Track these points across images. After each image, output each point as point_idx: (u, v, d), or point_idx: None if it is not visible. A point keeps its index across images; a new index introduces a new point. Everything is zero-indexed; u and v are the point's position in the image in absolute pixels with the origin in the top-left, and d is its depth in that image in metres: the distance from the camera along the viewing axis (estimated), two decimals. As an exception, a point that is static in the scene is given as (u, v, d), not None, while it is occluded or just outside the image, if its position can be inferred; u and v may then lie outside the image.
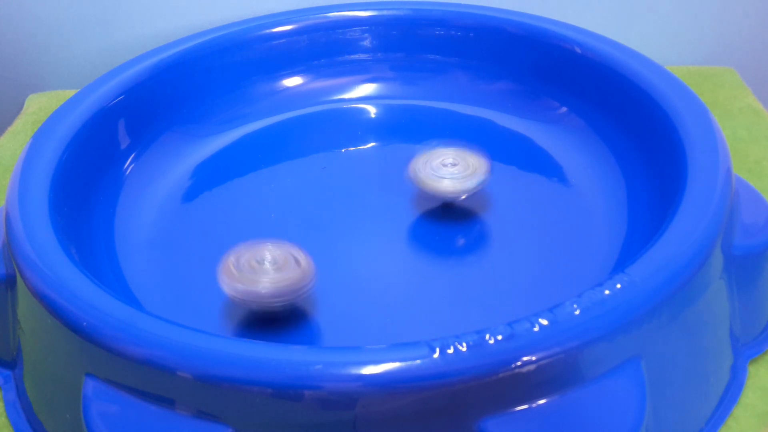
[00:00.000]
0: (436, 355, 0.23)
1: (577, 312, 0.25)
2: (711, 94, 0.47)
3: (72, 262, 0.29)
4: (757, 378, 0.30)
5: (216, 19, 0.50)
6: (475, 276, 0.34)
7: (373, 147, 0.43)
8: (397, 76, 0.46)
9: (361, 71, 0.46)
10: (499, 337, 0.24)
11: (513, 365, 0.24)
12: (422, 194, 0.37)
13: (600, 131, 0.40)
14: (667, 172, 0.33)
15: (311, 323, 0.32)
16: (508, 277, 0.34)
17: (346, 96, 0.46)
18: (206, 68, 0.43)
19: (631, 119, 0.38)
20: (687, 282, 0.27)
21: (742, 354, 0.30)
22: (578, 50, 0.41)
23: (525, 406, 0.24)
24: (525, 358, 0.24)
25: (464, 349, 0.24)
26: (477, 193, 0.36)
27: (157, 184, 0.40)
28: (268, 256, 0.30)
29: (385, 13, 0.46)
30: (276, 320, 0.32)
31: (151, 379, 0.25)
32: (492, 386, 0.24)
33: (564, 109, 0.42)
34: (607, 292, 0.25)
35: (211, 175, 0.41)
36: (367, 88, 0.46)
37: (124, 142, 0.40)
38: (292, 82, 0.46)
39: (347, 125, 0.44)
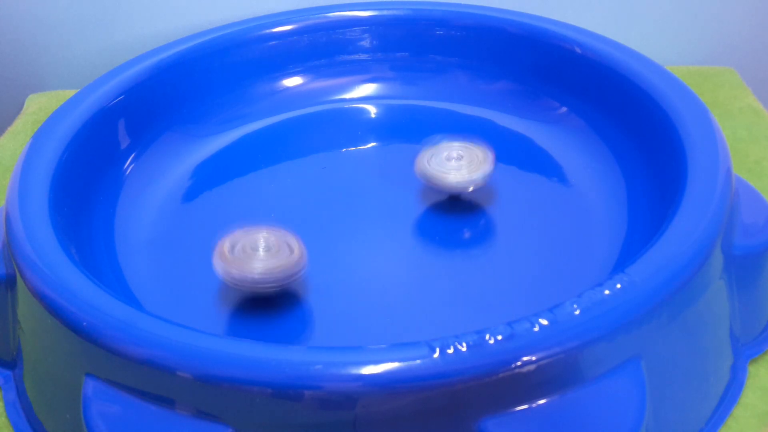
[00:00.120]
0: (436, 355, 0.23)
1: (577, 312, 0.25)
2: (711, 94, 0.47)
3: (72, 262, 0.29)
4: (757, 378, 0.30)
5: (216, 19, 0.50)
6: (475, 276, 0.34)
7: (373, 147, 0.43)
8: (397, 76, 0.46)
9: (361, 71, 0.46)
10: (499, 337, 0.24)
11: (513, 365, 0.24)
12: (427, 189, 0.37)
13: (600, 131, 0.40)
14: (667, 172, 0.33)
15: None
16: (508, 276, 0.34)
17: (346, 96, 0.46)
18: (206, 68, 0.43)
19: (631, 119, 0.38)
20: (687, 282, 0.27)
21: (742, 354, 0.30)
22: (578, 50, 0.41)
23: (525, 406, 0.24)
24: (525, 358, 0.24)
25: (464, 349, 0.24)
26: (476, 193, 0.36)
27: (157, 184, 0.40)
28: (261, 242, 0.31)
29: (385, 13, 0.46)
30: (269, 303, 0.32)
31: (151, 379, 0.25)
32: (492, 386, 0.24)
33: (564, 109, 0.42)
34: (607, 292, 0.25)
35: (211, 175, 0.41)
36: (367, 88, 0.46)
37: (124, 142, 0.40)
38: (292, 82, 0.46)
39: (347, 125, 0.44)
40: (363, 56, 0.46)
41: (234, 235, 0.32)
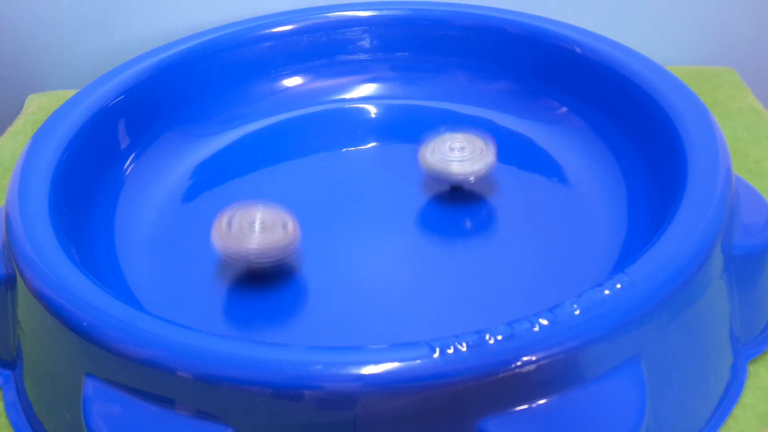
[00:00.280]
0: (436, 355, 0.23)
1: (577, 312, 0.25)
2: (711, 94, 0.47)
3: (72, 262, 0.29)
4: (757, 378, 0.30)
5: (216, 19, 0.50)
6: (475, 276, 0.34)
7: (373, 147, 0.43)
8: (397, 76, 0.46)
9: (361, 71, 0.46)
10: (499, 337, 0.24)
11: (513, 365, 0.24)
12: (428, 182, 0.37)
13: (600, 131, 0.40)
14: (667, 172, 0.33)
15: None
16: (508, 276, 0.34)
17: (346, 96, 0.46)
18: (206, 68, 0.43)
19: (631, 119, 0.38)
20: (687, 282, 0.27)
21: (742, 354, 0.30)
22: (578, 50, 0.41)
23: (525, 406, 0.24)
24: (525, 358, 0.24)
25: (464, 349, 0.24)
26: (477, 192, 0.36)
27: (157, 184, 0.40)
28: (257, 219, 0.32)
29: (385, 13, 0.46)
30: (265, 276, 0.33)
31: (151, 379, 0.25)
32: (492, 386, 0.24)
33: (564, 109, 0.42)
34: (607, 292, 0.25)
35: (211, 175, 0.41)
36: (367, 88, 0.46)
37: (124, 142, 0.40)
38: (292, 82, 0.46)
39: (347, 125, 0.44)
40: (363, 56, 0.46)
41: (231, 211, 0.33)
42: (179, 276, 0.34)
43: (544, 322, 0.24)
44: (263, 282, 0.33)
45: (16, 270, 0.29)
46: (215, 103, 0.44)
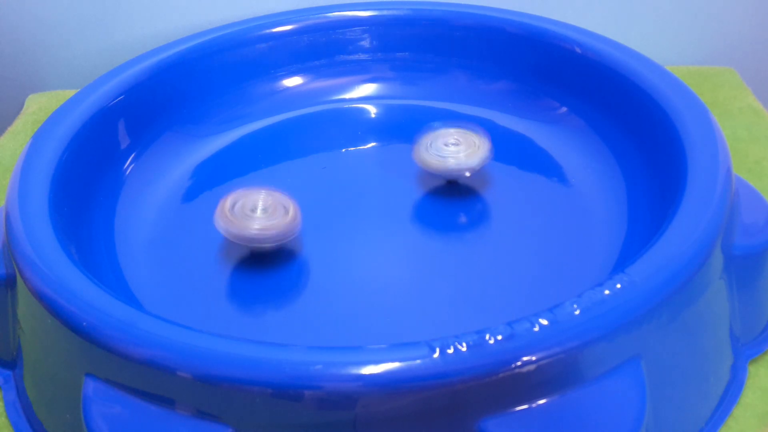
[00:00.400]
0: (436, 355, 0.23)
1: (577, 312, 0.25)
2: (711, 94, 0.47)
3: (72, 262, 0.29)
4: (757, 378, 0.30)
5: (216, 19, 0.50)
6: (475, 276, 0.34)
7: (373, 147, 0.43)
8: (397, 76, 0.46)
9: (361, 71, 0.46)
10: (499, 337, 0.24)
11: (513, 365, 0.24)
12: (425, 179, 0.37)
13: (600, 131, 0.40)
14: (667, 172, 0.33)
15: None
16: (508, 276, 0.34)
17: (346, 96, 0.46)
18: (206, 68, 0.43)
19: (631, 119, 0.38)
20: (687, 282, 0.27)
21: (742, 354, 0.30)
22: (578, 50, 0.41)
23: (525, 406, 0.24)
24: (525, 358, 0.24)
25: (464, 349, 0.24)
26: (475, 194, 0.36)
27: (157, 184, 0.40)
28: (260, 203, 0.33)
29: (385, 13, 0.46)
30: (266, 258, 0.34)
31: (151, 379, 0.25)
32: (492, 386, 0.24)
33: (564, 109, 0.42)
34: (607, 292, 0.25)
35: (211, 175, 0.41)
36: (367, 88, 0.46)
37: (124, 142, 0.40)
38: (292, 82, 0.46)
39: (347, 125, 0.44)
40: (363, 56, 0.46)
41: (235, 194, 0.34)
42: (179, 276, 0.34)
43: (544, 322, 0.24)
44: (263, 282, 0.33)
45: (16, 270, 0.29)
46: (215, 103, 0.44)
